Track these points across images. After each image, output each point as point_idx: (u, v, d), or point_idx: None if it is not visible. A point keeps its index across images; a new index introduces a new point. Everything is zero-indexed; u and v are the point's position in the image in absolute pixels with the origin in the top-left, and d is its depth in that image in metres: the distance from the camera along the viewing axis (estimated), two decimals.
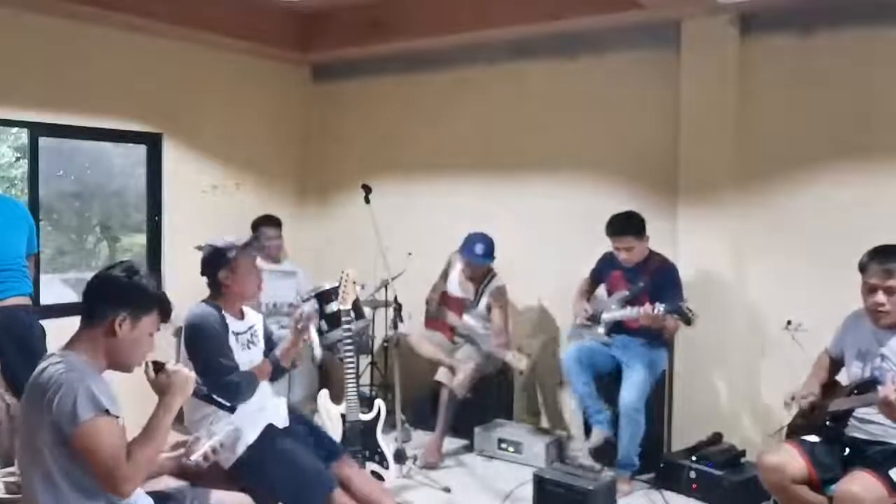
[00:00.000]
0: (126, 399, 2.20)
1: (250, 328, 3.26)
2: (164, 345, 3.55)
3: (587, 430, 4.41)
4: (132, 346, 2.16)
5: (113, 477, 2.02)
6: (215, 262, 3.14)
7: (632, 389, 4.07)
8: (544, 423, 5.18)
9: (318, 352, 4.13)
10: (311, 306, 4.34)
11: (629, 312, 4.09)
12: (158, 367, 2.22)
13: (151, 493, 2.30)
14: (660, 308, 3.94)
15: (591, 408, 4.21)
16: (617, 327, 4.27)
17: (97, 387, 2.04)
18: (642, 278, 4.19)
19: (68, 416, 1.98)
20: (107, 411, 2.02)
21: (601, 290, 4.50)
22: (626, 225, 4.20)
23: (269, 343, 3.35)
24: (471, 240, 4.68)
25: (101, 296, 2.17)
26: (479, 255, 4.65)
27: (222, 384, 3.00)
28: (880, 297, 2.88)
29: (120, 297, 2.14)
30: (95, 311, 2.14)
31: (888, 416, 2.77)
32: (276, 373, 3.33)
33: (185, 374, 2.22)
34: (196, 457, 2.36)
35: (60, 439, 2.00)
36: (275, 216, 5.34)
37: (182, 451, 2.42)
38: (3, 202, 3.98)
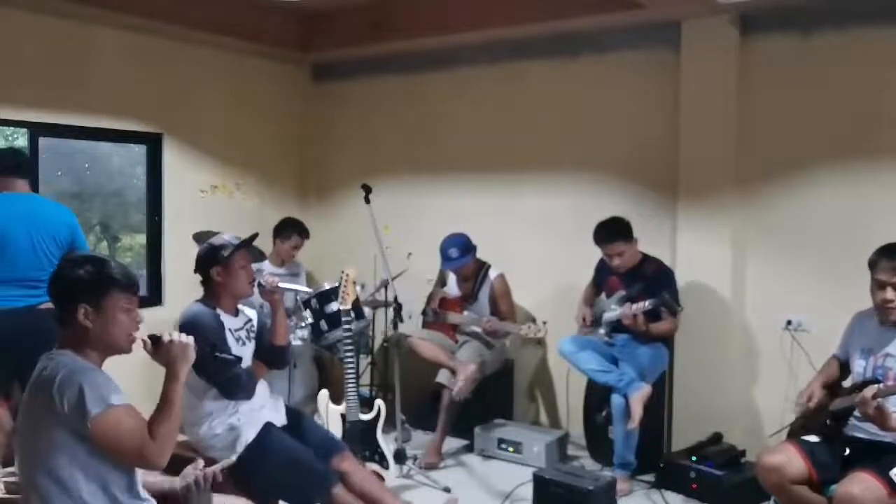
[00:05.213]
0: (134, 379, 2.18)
1: (247, 323, 3.27)
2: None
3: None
4: (109, 330, 2.14)
5: (143, 458, 2.08)
6: (209, 259, 3.15)
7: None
8: (544, 423, 5.18)
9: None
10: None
11: (623, 311, 4.09)
12: (155, 340, 2.22)
13: (154, 494, 2.30)
14: (647, 304, 3.96)
15: (606, 375, 4.11)
16: (618, 328, 4.26)
17: (100, 380, 2.05)
18: (639, 282, 4.18)
19: (80, 413, 1.99)
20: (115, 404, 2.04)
21: (602, 296, 4.49)
22: (613, 231, 4.19)
23: (262, 334, 3.34)
24: (443, 249, 4.66)
25: (59, 296, 2.17)
26: (454, 259, 4.63)
27: (224, 379, 3.03)
28: (889, 293, 2.93)
29: (72, 291, 2.13)
30: (62, 313, 2.15)
31: (862, 415, 2.78)
32: (278, 357, 3.35)
33: (183, 342, 2.22)
34: (188, 481, 2.33)
35: (77, 436, 2.02)
36: (291, 221, 5.30)
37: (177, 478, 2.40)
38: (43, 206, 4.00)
